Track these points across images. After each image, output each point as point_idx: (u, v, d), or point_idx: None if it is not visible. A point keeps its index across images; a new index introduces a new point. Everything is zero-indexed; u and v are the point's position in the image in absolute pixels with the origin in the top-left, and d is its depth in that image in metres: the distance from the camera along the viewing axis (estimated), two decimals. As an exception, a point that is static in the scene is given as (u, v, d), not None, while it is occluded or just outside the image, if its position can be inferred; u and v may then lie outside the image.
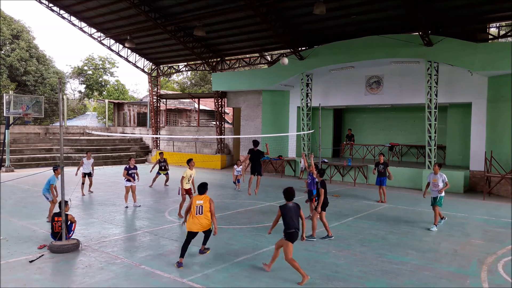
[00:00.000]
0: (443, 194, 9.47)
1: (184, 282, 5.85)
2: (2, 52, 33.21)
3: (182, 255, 6.58)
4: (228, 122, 30.19)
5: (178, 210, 10.39)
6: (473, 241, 8.39)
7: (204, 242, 7.19)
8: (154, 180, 15.59)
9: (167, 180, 15.81)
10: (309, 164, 10.81)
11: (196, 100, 29.46)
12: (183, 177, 10.03)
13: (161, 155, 16.04)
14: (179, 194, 10.31)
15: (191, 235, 6.71)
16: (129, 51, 25.87)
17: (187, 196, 10.00)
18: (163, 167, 15.59)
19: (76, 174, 13.36)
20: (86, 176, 13.53)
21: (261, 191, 14.12)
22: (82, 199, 12.65)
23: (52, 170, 9.76)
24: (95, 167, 14.25)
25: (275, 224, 6.62)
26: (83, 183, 13.45)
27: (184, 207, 9.75)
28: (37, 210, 10.44)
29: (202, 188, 6.97)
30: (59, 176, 9.46)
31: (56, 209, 7.96)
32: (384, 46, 16.16)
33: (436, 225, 9.32)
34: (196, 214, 6.70)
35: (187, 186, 10.10)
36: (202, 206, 6.74)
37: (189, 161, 10.36)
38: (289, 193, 6.42)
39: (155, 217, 10.18)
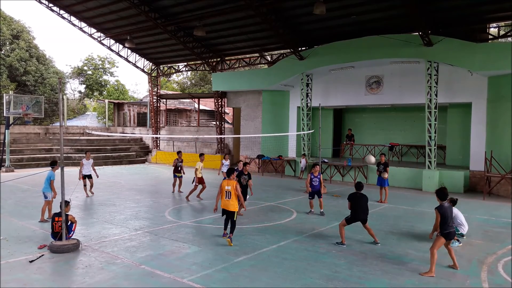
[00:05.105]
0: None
1: (184, 282, 5.85)
2: (2, 52, 33.19)
3: (224, 228, 8.07)
4: (228, 122, 30.18)
5: (175, 208, 10.41)
6: (473, 241, 8.38)
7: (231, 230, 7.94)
8: (174, 185, 14.11)
9: (180, 185, 14.02)
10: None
11: (196, 100, 29.47)
12: (196, 169, 12.49)
13: (179, 154, 14.20)
14: (192, 183, 12.54)
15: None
16: (129, 51, 25.88)
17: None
18: (179, 168, 13.86)
19: (80, 178, 12.94)
20: (87, 178, 13.04)
21: (261, 191, 14.14)
22: (83, 199, 12.59)
23: (50, 167, 9.78)
24: (95, 167, 13.61)
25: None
26: (85, 185, 13.08)
27: (194, 193, 12.63)
28: (37, 210, 10.40)
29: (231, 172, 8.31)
30: (57, 171, 9.54)
31: (56, 209, 7.96)
32: (384, 46, 16.16)
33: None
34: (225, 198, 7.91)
35: (200, 175, 12.51)
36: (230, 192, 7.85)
37: (201, 155, 13.07)
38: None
39: (155, 217, 10.17)
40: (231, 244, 7.57)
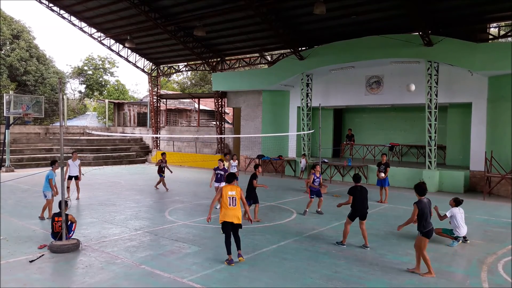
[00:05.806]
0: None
1: (184, 282, 5.85)
2: (2, 52, 33.19)
3: (229, 252, 6.62)
4: (228, 122, 30.19)
5: (175, 208, 10.44)
6: (473, 241, 8.38)
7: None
8: (164, 183, 14.80)
9: (158, 183, 14.85)
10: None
11: (196, 100, 29.47)
12: None
13: (163, 155, 15.25)
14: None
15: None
16: (129, 51, 25.88)
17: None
18: (163, 168, 14.84)
19: (65, 179, 12.19)
20: (73, 179, 12.28)
21: (261, 191, 14.09)
22: (82, 199, 12.50)
23: (50, 166, 9.79)
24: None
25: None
26: (68, 187, 12.15)
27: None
28: (37, 210, 10.41)
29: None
30: (56, 171, 9.53)
31: (56, 209, 7.96)
32: (384, 46, 16.15)
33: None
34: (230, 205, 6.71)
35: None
36: (235, 198, 6.77)
37: (226, 155, 13.58)
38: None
39: (155, 217, 10.18)
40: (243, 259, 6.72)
